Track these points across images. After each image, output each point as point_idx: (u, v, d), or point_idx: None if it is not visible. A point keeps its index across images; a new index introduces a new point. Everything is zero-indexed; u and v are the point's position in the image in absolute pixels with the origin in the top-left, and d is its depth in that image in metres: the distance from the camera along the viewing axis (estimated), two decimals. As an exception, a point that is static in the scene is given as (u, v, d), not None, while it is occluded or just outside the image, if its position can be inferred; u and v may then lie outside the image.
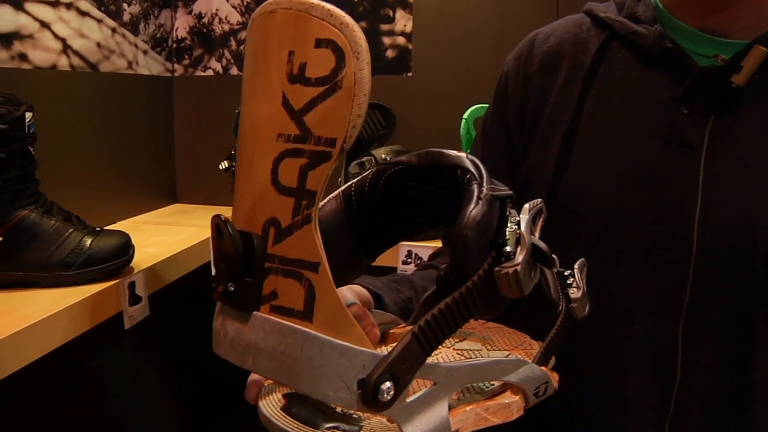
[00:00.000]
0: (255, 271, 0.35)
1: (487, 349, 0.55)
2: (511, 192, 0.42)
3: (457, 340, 0.57)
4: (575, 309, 0.53)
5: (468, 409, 0.43)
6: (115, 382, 1.13)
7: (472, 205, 0.39)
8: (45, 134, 0.88)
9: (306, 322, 0.34)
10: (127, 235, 0.86)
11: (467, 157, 0.43)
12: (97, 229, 0.84)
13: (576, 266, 0.56)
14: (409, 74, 1.37)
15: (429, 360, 0.37)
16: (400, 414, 0.37)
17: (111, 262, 0.81)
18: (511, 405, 0.45)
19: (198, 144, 1.45)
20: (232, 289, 0.35)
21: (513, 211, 0.41)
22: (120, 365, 1.11)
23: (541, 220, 0.43)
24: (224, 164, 1.19)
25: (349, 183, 0.47)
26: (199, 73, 1.45)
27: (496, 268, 0.38)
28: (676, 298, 0.61)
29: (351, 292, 0.52)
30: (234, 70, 1.44)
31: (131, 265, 0.87)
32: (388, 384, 0.35)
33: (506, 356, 0.53)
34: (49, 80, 0.99)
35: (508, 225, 0.39)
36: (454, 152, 0.44)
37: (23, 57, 0.93)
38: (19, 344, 0.64)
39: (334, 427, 0.40)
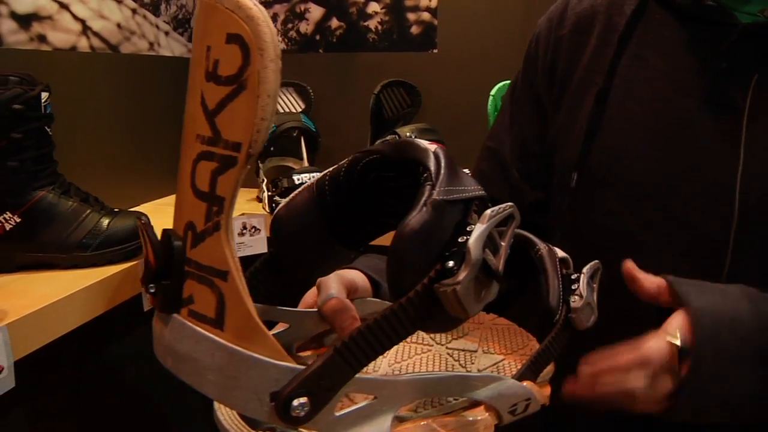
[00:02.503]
0: (172, 274, 0.34)
1: (483, 351, 0.51)
2: (479, 194, 0.38)
3: (454, 337, 0.53)
4: (575, 320, 0.48)
5: (422, 424, 0.40)
6: (134, 364, 1.13)
7: (414, 212, 0.35)
8: (66, 116, 0.88)
9: (217, 330, 0.33)
10: (145, 216, 0.86)
11: (433, 152, 0.39)
12: (115, 210, 0.84)
13: (585, 270, 0.50)
14: (435, 51, 1.32)
15: (373, 371, 0.34)
16: (327, 427, 0.35)
17: (129, 243, 0.81)
18: (476, 423, 0.42)
19: None
20: (153, 291, 0.35)
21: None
22: (138, 347, 1.10)
23: (511, 227, 0.38)
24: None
25: (324, 173, 0.45)
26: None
27: (436, 285, 0.34)
28: (715, 266, 0.58)
29: (337, 282, 0.50)
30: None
31: (147, 250, 0.88)
32: (302, 400, 0.33)
33: (493, 363, 0.49)
34: (69, 62, 0.98)
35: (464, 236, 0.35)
36: (424, 144, 0.40)
37: (42, 38, 0.93)
38: (36, 324, 0.65)
39: (270, 428, 0.39)
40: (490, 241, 0.35)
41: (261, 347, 0.33)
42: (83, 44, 1.02)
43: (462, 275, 0.33)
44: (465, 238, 0.35)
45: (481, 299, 0.35)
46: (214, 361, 0.33)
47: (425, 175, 0.37)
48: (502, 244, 0.37)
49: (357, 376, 0.35)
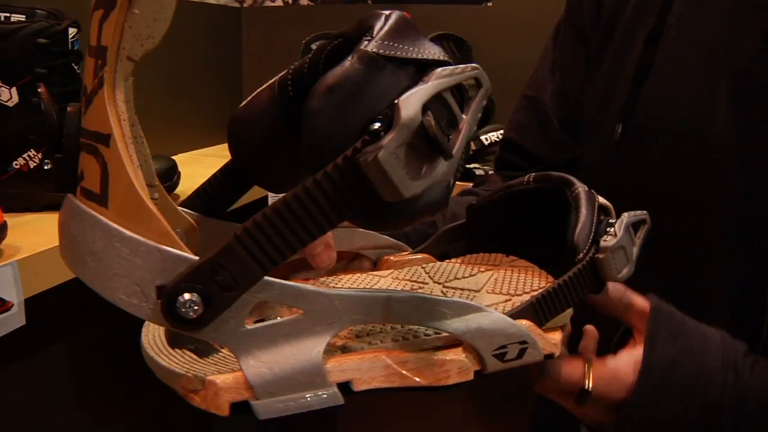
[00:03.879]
0: (65, 147, 0.30)
1: (487, 291, 0.43)
2: (440, 58, 0.30)
3: (457, 277, 0.45)
4: (603, 263, 0.38)
5: (370, 356, 0.32)
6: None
7: (338, 66, 0.28)
8: None
9: (102, 207, 0.28)
10: (173, 160, 0.84)
11: (391, 12, 0.32)
12: (144, 154, 0.83)
13: (625, 215, 0.41)
14: (489, 4, 1.23)
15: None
16: (233, 340, 0.29)
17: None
18: (446, 364, 0.33)
19: (266, 78, 1.42)
20: (48, 167, 0.30)
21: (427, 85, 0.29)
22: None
23: (473, 104, 0.30)
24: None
25: (288, 68, 0.39)
26: (268, 3, 1.40)
27: (357, 155, 0.27)
28: (763, 241, 0.52)
29: None
30: (304, 0, 1.38)
31: (176, 192, 0.84)
32: (190, 296, 0.27)
33: (493, 303, 0.40)
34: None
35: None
36: (383, 11, 0.33)
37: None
38: (49, 263, 0.63)
39: (188, 347, 0.34)
40: (442, 108, 0.28)
41: (145, 228, 0.28)
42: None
43: (387, 138, 0.26)
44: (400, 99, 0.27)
45: (419, 176, 0.27)
46: (95, 243, 0.28)
47: (366, 34, 0.30)
48: (464, 117, 0.29)
49: (272, 279, 0.29)
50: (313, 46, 1.13)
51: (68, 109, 0.30)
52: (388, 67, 0.28)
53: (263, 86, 0.39)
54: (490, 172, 0.80)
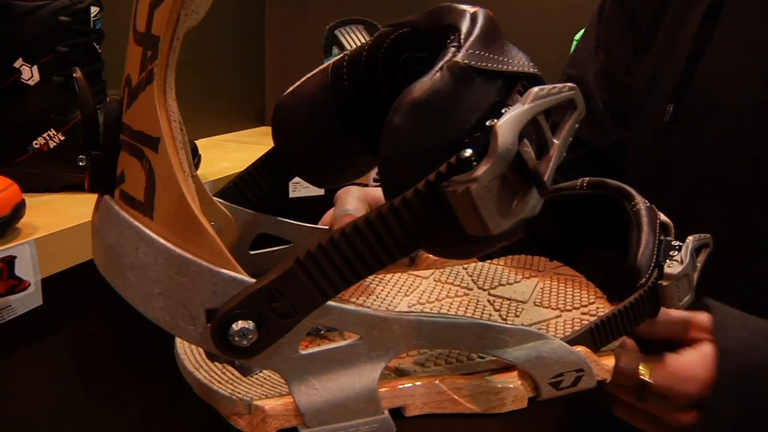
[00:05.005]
0: (103, 142, 0.27)
1: (534, 304, 0.40)
2: (530, 71, 0.27)
3: (502, 284, 0.43)
4: (666, 291, 0.36)
5: (426, 382, 0.30)
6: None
7: (425, 77, 0.25)
8: (123, 40, 0.84)
9: (146, 217, 0.25)
10: (193, 143, 0.83)
11: (471, 13, 0.28)
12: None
13: (690, 239, 0.38)
14: None
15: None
16: (286, 367, 0.27)
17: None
18: (502, 392, 0.31)
19: (289, 63, 1.36)
20: (82, 164, 0.27)
21: (519, 98, 0.26)
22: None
23: (571, 119, 0.27)
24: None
25: (344, 53, 0.35)
26: (291, -15, 1.36)
27: (445, 183, 0.24)
28: None
29: (357, 197, 0.41)
30: (329, -16, 1.33)
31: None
32: (245, 324, 0.25)
33: (542, 320, 0.38)
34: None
35: (497, 118, 0.25)
36: (463, 7, 0.29)
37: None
38: (66, 243, 0.61)
39: (230, 362, 0.31)
40: (534, 131, 0.25)
41: (196, 246, 0.25)
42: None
43: (481, 170, 0.23)
44: (494, 121, 0.24)
45: (509, 212, 0.24)
46: (138, 258, 0.25)
47: (452, 37, 0.26)
48: (555, 142, 0.26)
49: (332, 304, 0.26)
50: (337, 33, 1.06)
51: (107, 99, 0.26)
52: (478, 80, 0.25)
53: (314, 71, 0.35)
54: None
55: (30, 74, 0.70)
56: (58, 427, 0.94)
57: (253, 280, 0.25)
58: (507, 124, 0.23)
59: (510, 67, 0.27)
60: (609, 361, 0.35)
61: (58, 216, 0.64)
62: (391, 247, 0.25)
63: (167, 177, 0.24)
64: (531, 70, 0.27)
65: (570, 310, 0.39)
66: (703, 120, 0.53)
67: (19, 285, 0.55)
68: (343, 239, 0.24)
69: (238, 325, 0.25)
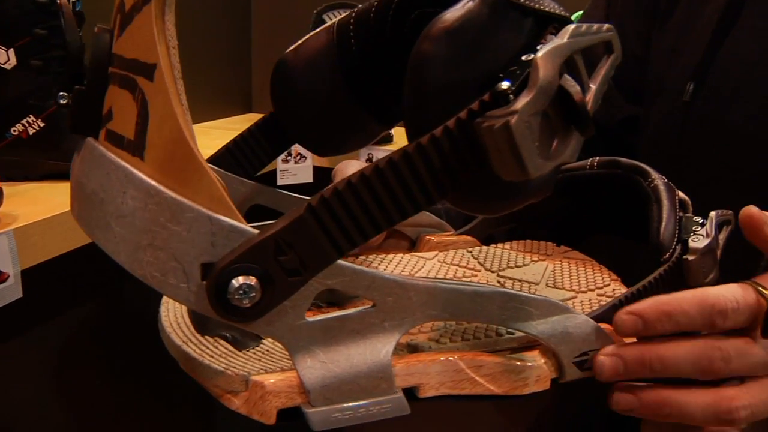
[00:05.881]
0: (90, 76, 0.23)
1: (547, 285, 0.38)
2: (561, 14, 0.25)
3: (510, 266, 0.40)
4: (690, 265, 0.33)
5: (441, 359, 0.27)
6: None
7: (457, 5, 0.22)
8: (105, 22, 0.82)
9: (136, 157, 0.22)
10: None
11: None
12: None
13: (713, 214, 0.36)
14: None
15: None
16: (289, 336, 0.24)
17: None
18: (525, 371, 0.28)
19: (276, 49, 1.33)
20: (63, 101, 0.24)
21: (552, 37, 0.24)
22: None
23: (605, 67, 0.24)
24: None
25: (350, 11, 0.33)
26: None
27: (479, 119, 0.21)
28: None
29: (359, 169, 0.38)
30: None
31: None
32: (247, 280, 0.21)
33: (560, 300, 0.35)
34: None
35: (532, 53, 0.22)
36: None
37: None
38: (46, 233, 0.59)
39: (222, 336, 0.28)
40: (571, 70, 0.22)
41: (193, 190, 0.21)
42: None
43: (522, 102, 0.20)
44: (531, 55, 0.21)
45: (549, 153, 0.21)
46: (125, 203, 0.22)
47: None
48: (592, 86, 0.23)
49: (344, 263, 0.23)
50: (326, 17, 1.04)
51: (95, 29, 0.23)
52: (511, 16, 0.23)
53: (319, 29, 0.33)
54: None
55: (6, 57, 0.67)
56: (40, 421, 0.90)
57: (257, 231, 0.22)
58: (548, 55, 0.21)
59: (542, 7, 0.24)
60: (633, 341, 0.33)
61: (39, 205, 0.62)
62: (417, 193, 0.22)
63: (163, 109, 0.21)
64: (561, 13, 0.25)
65: (585, 292, 0.37)
66: (727, 101, 0.50)
67: (-3, 277, 0.51)
68: (362, 182, 0.22)
69: (239, 281, 0.21)
